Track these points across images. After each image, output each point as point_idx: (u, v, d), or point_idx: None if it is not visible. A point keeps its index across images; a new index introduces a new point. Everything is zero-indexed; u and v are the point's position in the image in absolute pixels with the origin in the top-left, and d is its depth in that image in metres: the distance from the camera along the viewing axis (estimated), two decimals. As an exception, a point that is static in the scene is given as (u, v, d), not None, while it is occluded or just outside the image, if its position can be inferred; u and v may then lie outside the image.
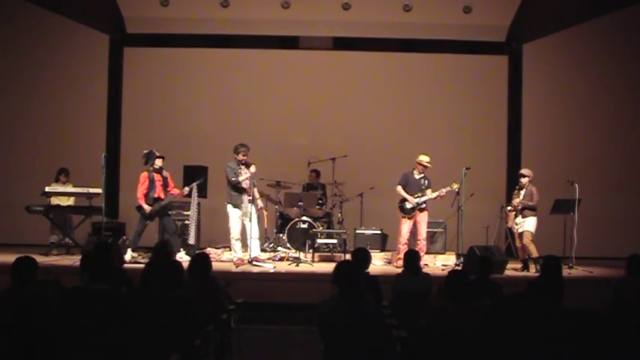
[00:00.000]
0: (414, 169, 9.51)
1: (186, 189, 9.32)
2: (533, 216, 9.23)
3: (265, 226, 9.95)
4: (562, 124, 11.87)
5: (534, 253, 9.08)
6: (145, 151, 9.31)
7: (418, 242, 9.41)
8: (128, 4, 11.74)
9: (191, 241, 9.34)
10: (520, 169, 9.82)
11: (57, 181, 10.34)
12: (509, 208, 9.55)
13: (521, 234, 9.28)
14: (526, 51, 12.05)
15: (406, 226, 9.40)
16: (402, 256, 7.77)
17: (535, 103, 11.99)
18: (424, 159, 9.44)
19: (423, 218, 9.45)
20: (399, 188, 9.43)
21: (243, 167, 9.11)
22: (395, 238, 10.48)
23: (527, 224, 9.21)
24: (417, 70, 12.20)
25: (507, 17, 11.69)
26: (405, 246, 9.16)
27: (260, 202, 9.38)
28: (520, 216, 9.30)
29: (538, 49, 11.99)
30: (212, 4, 11.45)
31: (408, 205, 9.38)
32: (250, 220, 9.07)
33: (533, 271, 9.05)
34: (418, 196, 9.35)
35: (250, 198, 9.08)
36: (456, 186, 9.26)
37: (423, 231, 9.45)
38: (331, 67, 12.21)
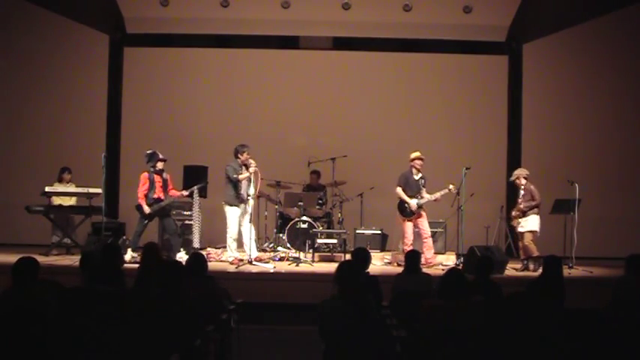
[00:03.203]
0: (411, 168, 9.50)
1: (185, 192, 9.32)
2: (535, 214, 9.22)
3: (259, 187, 9.37)
4: (562, 124, 11.86)
5: (534, 253, 9.09)
6: (149, 151, 9.30)
7: (425, 241, 9.40)
8: (128, 4, 11.75)
9: (195, 244, 9.34)
10: (518, 170, 9.73)
11: (60, 180, 10.32)
12: (513, 217, 9.50)
13: (522, 234, 9.30)
14: (526, 51, 12.05)
15: (410, 227, 9.41)
16: None
17: (535, 103, 11.98)
18: (418, 154, 9.41)
19: (423, 219, 9.46)
20: (400, 190, 9.41)
21: (243, 168, 9.15)
22: (395, 238, 10.51)
23: (530, 224, 9.20)
24: (417, 70, 12.19)
25: (507, 17, 11.69)
26: (412, 247, 9.15)
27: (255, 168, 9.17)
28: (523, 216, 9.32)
29: (538, 49, 11.99)
30: (212, 4, 11.45)
31: (411, 207, 9.39)
32: (251, 221, 9.11)
33: (532, 270, 9.07)
34: (418, 198, 9.36)
35: (249, 198, 9.11)
36: (452, 186, 9.24)
37: (427, 229, 9.47)
38: (331, 67, 12.21)
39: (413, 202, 9.34)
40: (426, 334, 4.28)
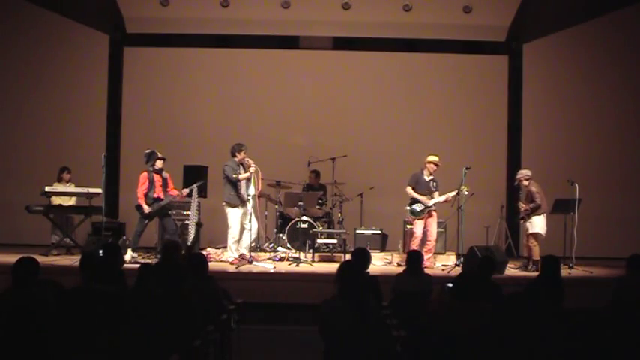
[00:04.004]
0: (423, 169, 9.51)
1: (186, 190, 9.32)
2: (538, 216, 9.23)
3: (259, 188, 9.48)
4: (562, 124, 11.87)
5: (535, 256, 9.13)
6: (147, 151, 9.32)
7: (428, 243, 9.42)
8: (128, 4, 11.75)
9: (190, 242, 9.34)
10: (518, 174, 9.74)
11: (59, 180, 10.32)
12: (521, 220, 9.54)
13: (528, 235, 9.37)
14: (526, 51, 12.06)
15: (419, 227, 9.41)
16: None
17: (535, 103, 11.98)
18: (435, 159, 9.45)
19: (432, 220, 9.47)
20: (410, 190, 9.42)
21: (241, 167, 9.15)
22: (395, 238, 10.52)
23: (534, 226, 9.23)
24: (417, 70, 12.19)
25: (507, 17, 11.70)
26: (417, 249, 9.16)
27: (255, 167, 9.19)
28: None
29: (538, 49, 11.99)
30: (212, 4, 11.46)
31: (418, 208, 9.39)
32: (250, 221, 9.12)
33: (530, 270, 9.14)
34: (429, 198, 9.37)
35: (249, 198, 9.12)
36: (465, 189, 9.19)
37: (433, 232, 9.48)
38: (331, 67, 12.21)
39: (425, 199, 9.34)
40: (429, 332, 4.28)
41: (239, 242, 9.25)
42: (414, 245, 9.25)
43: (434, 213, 9.49)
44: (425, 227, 9.45)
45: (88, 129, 11.92)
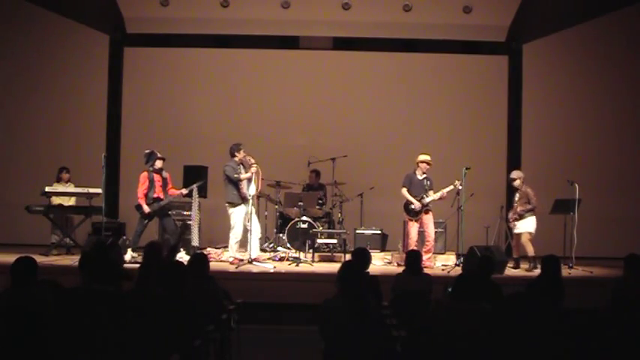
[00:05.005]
0: (415, 169, 9.52)
1: (185, 190, 9.32)
2: (531, 216, 9.32)
3: (259, 188, 9.38)
4: (562, 124, 11.87)
5: (530, 253, 9.19)
6: (147, 151, 9.32)
7: (427, 243, 9.44)
8: (128, 4, 11.75)
9: (194, 242, 9.33)
10: (515, 174, 9.78)
11: (58, 180, 10.33)
12: (511, 219, 9.58)
13: (519, 234, 9.41)
14: (526, 51, 12.05)
15: (414, 228, 9.43)
16: None
17: (535, 103, 11.98)
18: (426, 158, 9.47)
19: (429, 219, 9.48)
20: (404, 191, 9.44)
21: (241, 166, 9.14)
22: (395, 238, 10.52)
23: (526, 225, 9.31)
24: (417, 70, 12.19)
25: (507, 17, 11.69)
26: (416, 249, 9.16)
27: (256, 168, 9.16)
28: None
29: (538, 49, 11.99)
30: (212, 4, 11.46)
31: (415, 208, 9.40)
32: (250, 220, 9.11)
33: (525, 268, 9.21)
34: (422, 198, 9.38)
35: (250, 198, 9.11)
36: (457, 182, 9.24)
37: (431, 232, 9.49)
38: (331, 67, 12.21)
39: (417, 203, 9.35)
40: (429, 332, 4.28)
41: (240, 243, 9.24)
42: (410, 247, 9.25)
43: (430, 212, 9.49)
44: (421, 227, 9.46)
45: (88, 129, 11.92)
